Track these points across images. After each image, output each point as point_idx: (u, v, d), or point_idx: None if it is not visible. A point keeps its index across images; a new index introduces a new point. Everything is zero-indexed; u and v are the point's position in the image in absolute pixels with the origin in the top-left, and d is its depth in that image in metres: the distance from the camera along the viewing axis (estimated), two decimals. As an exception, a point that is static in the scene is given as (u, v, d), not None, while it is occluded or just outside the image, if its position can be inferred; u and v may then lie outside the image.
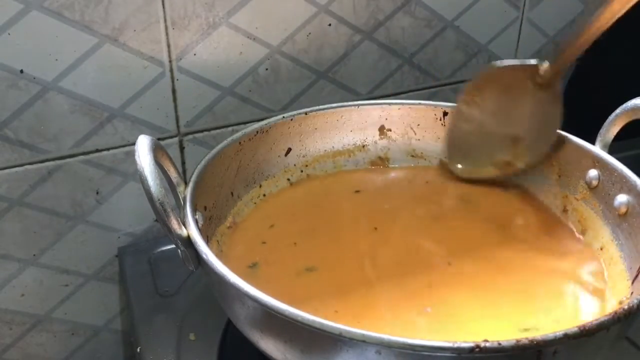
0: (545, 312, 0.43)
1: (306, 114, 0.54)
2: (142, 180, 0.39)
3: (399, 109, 0.56)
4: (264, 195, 0.53)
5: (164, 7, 0.54)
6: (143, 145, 0.40)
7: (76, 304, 0.62)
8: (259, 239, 0.49)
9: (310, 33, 0.60)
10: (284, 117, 0.53)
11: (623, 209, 0.46)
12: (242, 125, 0.59)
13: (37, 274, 0.60)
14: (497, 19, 0.68)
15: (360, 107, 0.56)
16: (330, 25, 0.60)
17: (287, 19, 0.58)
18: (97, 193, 0.58)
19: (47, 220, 0.58)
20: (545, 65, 0.50)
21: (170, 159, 0.44)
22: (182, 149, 0.60)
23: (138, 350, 0.50)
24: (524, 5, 0.68)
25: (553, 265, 0.47)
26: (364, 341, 0.33)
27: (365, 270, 0.46)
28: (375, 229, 0.50)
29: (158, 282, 0.56)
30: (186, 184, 0.45)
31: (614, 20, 0.46)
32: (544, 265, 0.47)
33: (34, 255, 0.59)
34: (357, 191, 0.55)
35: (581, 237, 0.50)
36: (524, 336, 0.32)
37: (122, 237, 0.61)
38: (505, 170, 0.54)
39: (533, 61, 0.51)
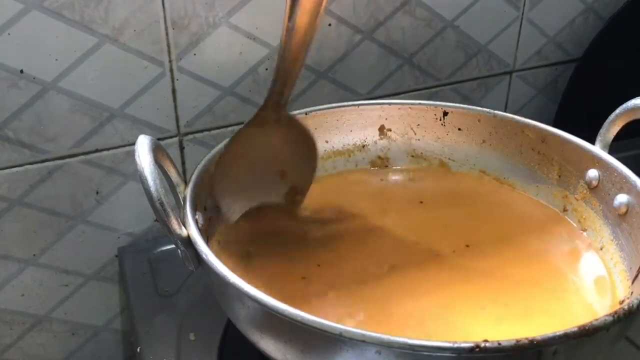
0: (545, 312, 0.43)
1: (306, 114, 0.54)
2: (142, 180, 0.39)
3: (399, 109, 0.56)
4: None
5: (164, 7, 0.54)
6: (143, 145, 0.40)
7: (76, 304, 0.62)
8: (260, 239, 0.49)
9: (310, 33, 0.60)
10: (284, 117, 0.53)
11: (623, 209, 0.46)
12: (242, 126, 0.59)
13: (37, 274, 0.60)
14: (497, 19, 0.68)
15: (360, 107, 0.56)
16: (330, 25, 0.60)
17: (287, 19, 0.58)
18: (97, 193, 0.58)
19: (47, 220, 0.58)
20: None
21: (170, 159, 0.44)
22: (182, 149, 0.60)
23: (138, 350, 0.50)
24: (524, 5, 0.68)
25: (553, 265, 0.47)
26: (363, 341, 0.33)
27: (371, 271, 0.46)
28: (376, 228, 0.50)
29: (158, 282, 0.56)
30: (186, 184, 0.45)
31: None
32: (544, 265, 0.47)
33: (34, 255, 0.59)
34: (358, 190, 0.55)
35: (584, 233, 0.50)
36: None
37: (122, 237, 0.61)
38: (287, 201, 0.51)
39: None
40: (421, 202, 0.54)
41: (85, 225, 0.59)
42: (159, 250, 0.60)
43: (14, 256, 0.58)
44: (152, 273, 0.58)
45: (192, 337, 0.51)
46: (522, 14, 0.68)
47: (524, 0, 0.68)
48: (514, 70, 0.71)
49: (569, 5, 0.70)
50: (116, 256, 0.62)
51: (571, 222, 0.51)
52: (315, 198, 0.53)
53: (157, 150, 0.41)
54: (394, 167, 0.57)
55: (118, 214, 0.60)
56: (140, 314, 0.53)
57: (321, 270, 0.46)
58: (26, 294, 0.60)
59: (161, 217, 0.39)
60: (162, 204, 0.39)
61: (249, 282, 0.36)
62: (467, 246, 0.48)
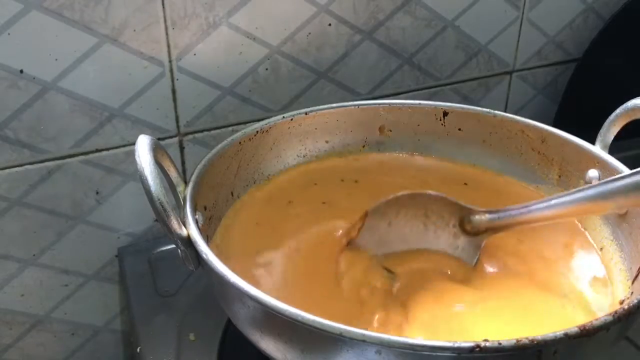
0: (545, 312, 0.43)
1: (306, 114, 0.54)
2: (142, 180, 0.39)
3: (399, 109, 0.56)
4: (264, 195, 0.53)
5: (164, 7, 0.54)
6: (143, 145, 0.40)
7: (76, 304, 0.62)
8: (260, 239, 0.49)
9: (310, 33, 0.60)
10: (284, 117, 0.53)
11: (623, 209, 0.46)
12: (242, 125, 0.59)
13: (37, 274, 0.60)
14: (497, 19, 0.68)
15: (360, 107, 0.56)
16: (330, 25, 0.60)
17: (287, 19, 0.58)
18: (97, 193, 0.58)
19: (47, 220, 0.58)
20: (480, 218, 0.47)
21: (170, 159, 0.44)
22: (182, 149, 0.60)
23: (138, 350, 0.50)
24: (524, 5, 0.68)
25: (553, 265, 0.47)
26: (364, 341, 0.33)
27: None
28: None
29: (158, 282, 0.56)
30: (186, 183, 0.45)
31: (555, 220, 0.44)
32: (543, 264, 0.47)
33: (34, 255, 0.59)
34: (356, 189, 0.55)
35: (584, 233, 0.50)
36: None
37: (122, 237, 0.61)
38: None
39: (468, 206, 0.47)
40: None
41: (85, 225, 0.59)
42: (159, 250, 0.60)
43: (14, 256, 0.58)
44: (152, 273, 0.58)
45: (192, 337, 0.51)
46: (522, 14, 0.68)
47: (524, 0, 0.68)
48: (514, 70, 0.71)
49: (569, 5, 0.70)
50: (116, 256, 0.62)
51: (571, 222, 0.51)
52: (314, 198, 0.53)
53: (157, 150, 0.41)
54: (394, 167, 0.57)
55: (118, 214, 0.60)
56: (140, 314, 0.53)
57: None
58: (26, 294, 0.60)
59: (161, 217, 0.39)
60: (162, 204, 0.39)
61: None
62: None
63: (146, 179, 0.38)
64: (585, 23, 0.72)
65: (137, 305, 0.55)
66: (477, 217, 0.47)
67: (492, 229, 0.46)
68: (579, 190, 0.42)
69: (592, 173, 0.49)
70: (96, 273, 0.62)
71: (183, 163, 0.60)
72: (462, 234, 0.47)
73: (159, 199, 0.39)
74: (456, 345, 0.32)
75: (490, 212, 0.46)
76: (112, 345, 0.66)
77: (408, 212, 0.47)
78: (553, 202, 0.43)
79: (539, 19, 0.69)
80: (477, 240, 0.47)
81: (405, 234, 0.47)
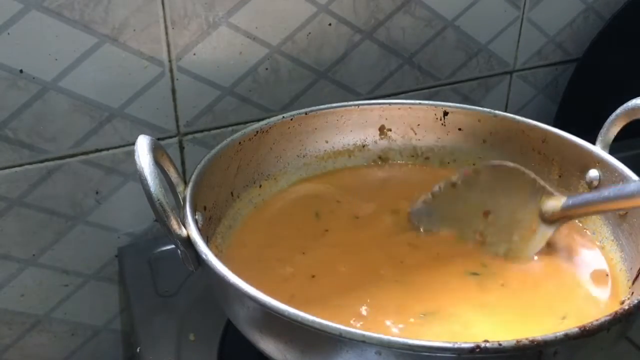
0: (545, 312, 0.43)
1: (306, 114, 0.54)
2: (142, 180, 0.39)
3: (399, 109, 0.56)
4: (264, 195, 0.53)
5: (163, 7, 0.54)
6: (143, 145, 0.40)
7: (76, 304, 0.62)
8: (259, 240, 0.49)
9: (310, 33, 0.60)
10: (284, 117, 0.53)
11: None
12: (242, 125, 0.59)
13: (36, 274, 0.59)
14: (497, 19, 0.67)
15: (360, 107, 0.56)
16: (330, 25, 0.60)
17: (287, 19, 0.58)
18: (97, 193, 0.58)
19: (47, 220, 0.58)
20: (558, 202, 0.46)
21: (170, 159, 0.44)
22: (182, 149, 0.60)
23: (138, 350, 0.50)
24: (524, 5, 0.68)
25: (553, 265, 0.47)
26: (364, 342, 0.33)
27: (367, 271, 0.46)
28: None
29: (158, 282, 0.56)
30: (186, 184, 0.45)
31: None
32: (544, 265, 0.47)
33: (34, 255, 0.59)
34: (357, 191, 0.55)
35: (585, 233, 0.50)
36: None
37: (122, 237, 0.61)
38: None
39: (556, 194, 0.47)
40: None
41: (85, 225, 0.59)
42: (159, 250, 0.60)
43: (13, 256, 0.58)
44: (152, 273, 0.58)
45: (192, 337, 0.50)
46: (523, 14, 0.68)
47: (524, 0, 0.68)
48: (514, 70, 0.71)
49: (569, 5, 0.70)
50: (116, 256, 0.62)
51: (571, 222, 0.51)
52: (315, 198, 0.53)
53: (157, 150, 0.41)
54: (394, 167, 0.57)
55: (118, 214, 0.60)
56: (140, 314, 0.53)
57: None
58: (26, 294, 0.60)
59: (161, 217, 0.39)
60: (161, 204, 0.39)
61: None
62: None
63: (146, 179, 0.38)
64: (585, 23, 0.72)
65: (137, 305, 0.55)
66: (552, 202, 0.46)
67: (565, 217, 0.46)
68: None
69: (593, 173, 0.49)
70: (96, 273, 0.62)
71: (183, 163, 0.60)
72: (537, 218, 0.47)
73: (158, 200, 0.39)
74: (456, 346, 0.32)
75: (567, 196, 0.46)
76: (112, 345, 0.66)
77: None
78: (628, 189, 0.42)
79: (539, 19, 0.69)
80: (547, 230, 0.47)
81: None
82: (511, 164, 0.49)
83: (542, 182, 0.47)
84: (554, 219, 0.47)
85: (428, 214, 0.50)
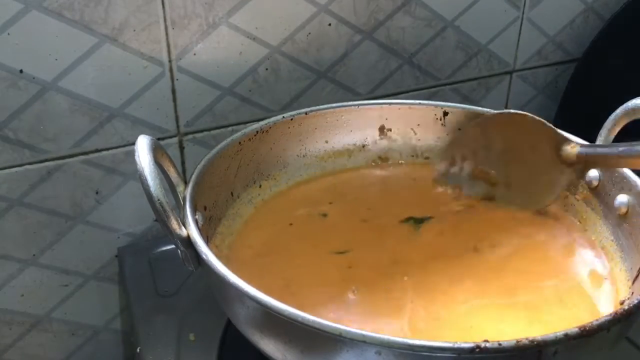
0: (544, 312, 0.43)
1: (306, 114, 0.54)
2: (142, 180, 0.39)
3: (399, 109, 0.56)
4: (264, 195, 0.53)
5: (163, 7, 0.54)
6: (143, 145, 0.40)
7: (76, 304, 0.62)
8: (259, 240, 0.49)
9: (310, 33, 0.60)
10: (284, 117, 0.53)
11: (623, 209, 0.46)
12: (242, 125, 0.59)
13: (36, 274, 0.59)
14: (497, 19, 0.68)
15: (360, 107, 0.56)
16: (330, 25, 0.60)
17: (287, 19, 0.58)
18: (97, 193, 0.58)
19: (47, 220, 0.58)
20: (575, 149, 0.48)
21: (170, 159, 0.44)
22: (182, 149, 0.60)
23: (138, 350, 0.50)
24: (524, 5, 0.68)
25: (553, 265, 0.47)
26: (364, 341, 0.33)
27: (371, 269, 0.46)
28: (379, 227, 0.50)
29: (158, 282, 0.56)
30: (186, 184, 0.45)
31: None
32: (544, 265, 0.47)
33: (34, 255, 0.59)
34: (357, 191, 0.55)
35: (585, 233, 0.50)
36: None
37: (122, 237, 0.61)
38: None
39: (572, 138, 0.49)
40: (422, 199, 0.54)
41: (85, 225, 0.59)
42: (159, 250, 0.60)
43: (14, 256, 0.58)
44: (152, 273, 0.58)
45: (192, 337, 0.50)
46: (522, 14, 0.68)
47: (524, 0, 0.68)
48: (514, 70, 0.71)
49: (569, 5, 0.70)
50: (116, 256, 0.62)
51: (572, 222, 0.51)
52: (314, 198, 0.53)
53: (157, 150, 0.41)
54: (394, 167, 0.57)
55: (118, 214, 0.60)
56: (140, 314, 0.53)
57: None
58: (26, 294, 0.60)
59: (161, 217, 0.39)
60: (162, 204, 0.39)
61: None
62: (463, 246, 0.48)
63: (146, 179, 0.38)
64: (585, 23, 0.72)
65: (137, 305, 0.55)
66: (568, 147, 0.48)
67: (580, 163, 0.48)
68: None
69: (593, 173, 0.49)
70: (96, 273, 0.62)
71: (183, 163, 0.60)
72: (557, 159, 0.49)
73: (158, 199, 0.39)
74: (456, 345, 0.32)
75: (581, 145, 0.48)
76: (112, 345, 0.66)
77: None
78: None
79: (539, 19, 0.69)
80: (563, 177, 0.49)
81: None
82: (529, 114, 0.51)
83: (559, 131, 0.49)
84: (572, 163, 0.49)
85: (454, 171, 0.54)
